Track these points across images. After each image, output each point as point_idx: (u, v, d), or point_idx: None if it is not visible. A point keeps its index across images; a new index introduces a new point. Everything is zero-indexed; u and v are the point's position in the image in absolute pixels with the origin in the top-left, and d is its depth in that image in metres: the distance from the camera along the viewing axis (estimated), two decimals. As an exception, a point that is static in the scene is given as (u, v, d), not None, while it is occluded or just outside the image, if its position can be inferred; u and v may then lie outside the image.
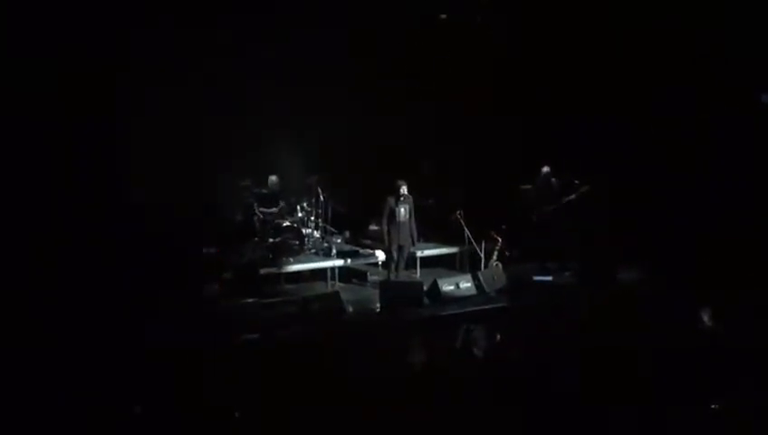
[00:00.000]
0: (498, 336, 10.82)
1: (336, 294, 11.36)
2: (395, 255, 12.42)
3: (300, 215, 13.37)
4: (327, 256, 13.05)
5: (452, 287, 11.80)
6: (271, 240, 12.65)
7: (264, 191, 13.13)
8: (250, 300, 10.64)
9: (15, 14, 10.54)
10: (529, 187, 13.73)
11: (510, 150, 14.19)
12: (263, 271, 12.03)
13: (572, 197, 13.14)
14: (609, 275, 12.63)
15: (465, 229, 12.81)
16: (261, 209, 12.86)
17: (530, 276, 12.79)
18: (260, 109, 13.33)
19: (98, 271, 10.36)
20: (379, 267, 13.15)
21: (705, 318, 9.85)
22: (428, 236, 13.89)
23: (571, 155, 13.41)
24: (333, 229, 14.17)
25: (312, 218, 13.70)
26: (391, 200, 12.24)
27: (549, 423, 7.32)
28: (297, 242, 12.84)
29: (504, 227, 12.98)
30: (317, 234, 13.76)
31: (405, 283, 12.27)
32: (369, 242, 14.07)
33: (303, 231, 13.24)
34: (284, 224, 12.89)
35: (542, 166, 13.49)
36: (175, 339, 9.42)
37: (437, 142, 14.78)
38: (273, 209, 13.08)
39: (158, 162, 11.40)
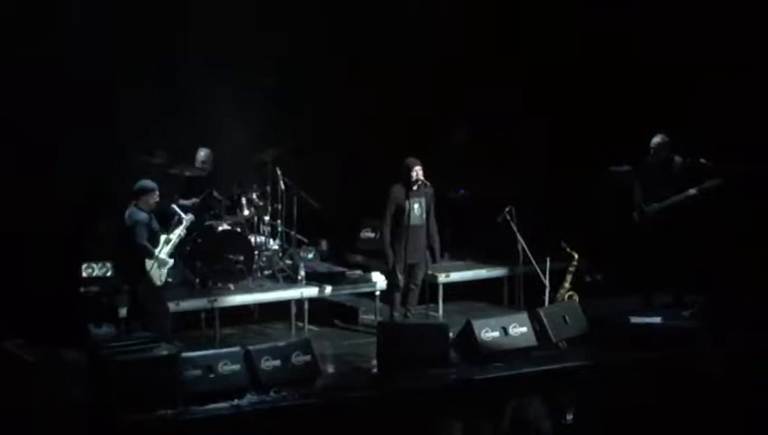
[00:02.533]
0: (570, 417, 10.54)
1: (305, 343, 10.72)
2: (403, 279, 11.91)
3: (246, 213, 12.71)
4: (291, 280, 12.52)
5: (496, 334, 11.16)
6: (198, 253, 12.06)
7: (188, 174, 12.55)
8: (164, 352, 9.98)
9: None
10: (625, 168, 12.90)
11: (595, 106, 13.44)
12: (182, 304, 11.47)
13: (707, 185, 12.11)
14: (760, 317, 11.60)
15: (519, 238, 12.13)
16: (182, 203, 12.06)
17: (626, 317, 12.11)
18: (183, 42, 12.83)
19: None
20: (378, 300, 12.57)
21: None
22: (458, 251, 13.55)
23: (697, 121, 12.52)
24: (302, 237, 13.52)
25: (267, 219, 12.96)
26: (398, 191, 11.74)
27: None
28: (241, 257, 12.20)
29: (580, 234, 12.31)
30: (275, 244, 13.06)
31: (419, 326, 11.67)
32: (360, 259, 13.65)
33: (252, 239, 12.59)
34: (221, 228, 12.30)
35: (654, 135, 12.38)
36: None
37: (477, 94, 13.95)
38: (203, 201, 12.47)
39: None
